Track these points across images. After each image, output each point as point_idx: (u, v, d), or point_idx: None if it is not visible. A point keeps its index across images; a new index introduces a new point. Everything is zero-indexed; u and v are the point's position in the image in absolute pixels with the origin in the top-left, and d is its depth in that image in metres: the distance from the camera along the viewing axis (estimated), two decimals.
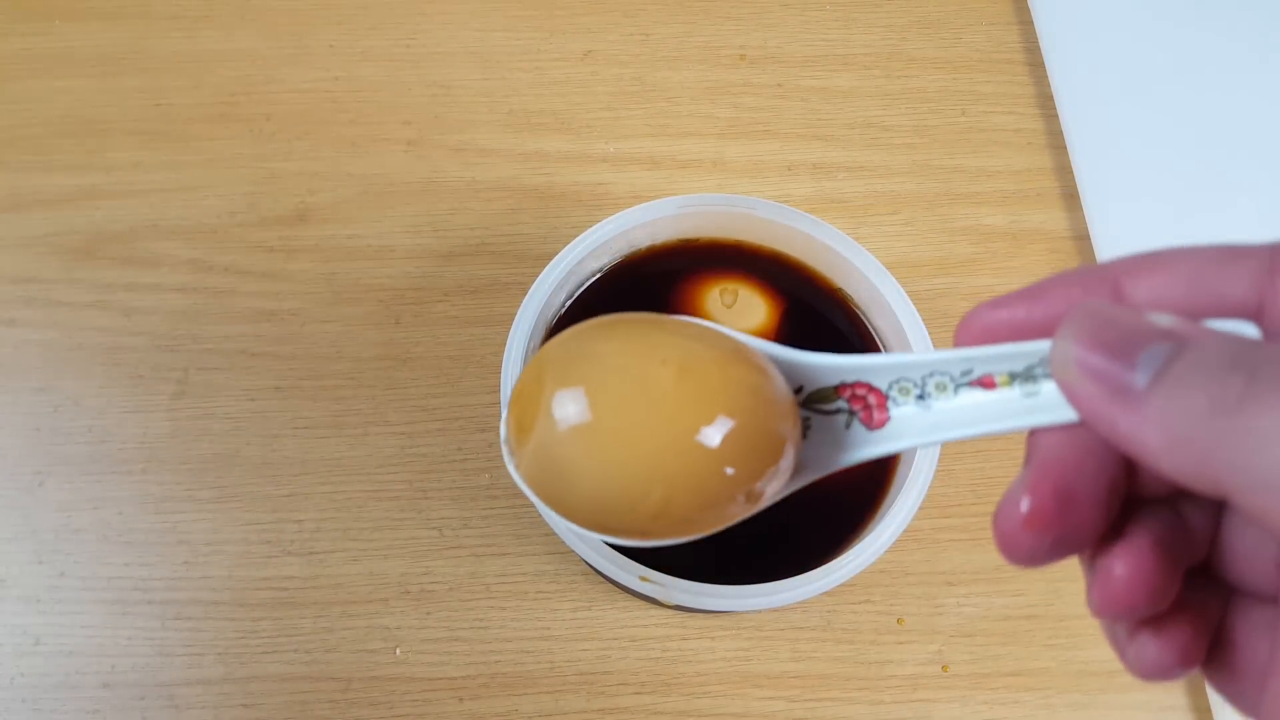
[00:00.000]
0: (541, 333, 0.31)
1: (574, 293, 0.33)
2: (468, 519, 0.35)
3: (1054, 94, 0.44)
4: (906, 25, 0.46)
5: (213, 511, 0.35)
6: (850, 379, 0.21)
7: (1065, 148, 0.43)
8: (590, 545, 0.28)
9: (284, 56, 0.44)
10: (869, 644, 0.34)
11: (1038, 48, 0.45)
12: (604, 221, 0.32)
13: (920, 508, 0.28)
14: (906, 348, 0.31)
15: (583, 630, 0.34)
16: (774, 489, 0.21)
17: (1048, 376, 0.18)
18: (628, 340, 0.21)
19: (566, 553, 0.35)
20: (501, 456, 0.22)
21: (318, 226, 0.40)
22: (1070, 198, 0.42)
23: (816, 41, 0.46)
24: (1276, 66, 0.44)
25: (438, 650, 0.34)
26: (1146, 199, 0.41)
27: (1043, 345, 0.18)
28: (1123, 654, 0.17)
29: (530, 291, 0.31)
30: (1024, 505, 0.16)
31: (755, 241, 0.34)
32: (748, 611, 0.32)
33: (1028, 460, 0.17)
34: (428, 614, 0.34)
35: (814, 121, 0.44)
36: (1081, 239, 0.41)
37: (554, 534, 0.28)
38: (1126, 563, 0.16)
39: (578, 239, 0.32)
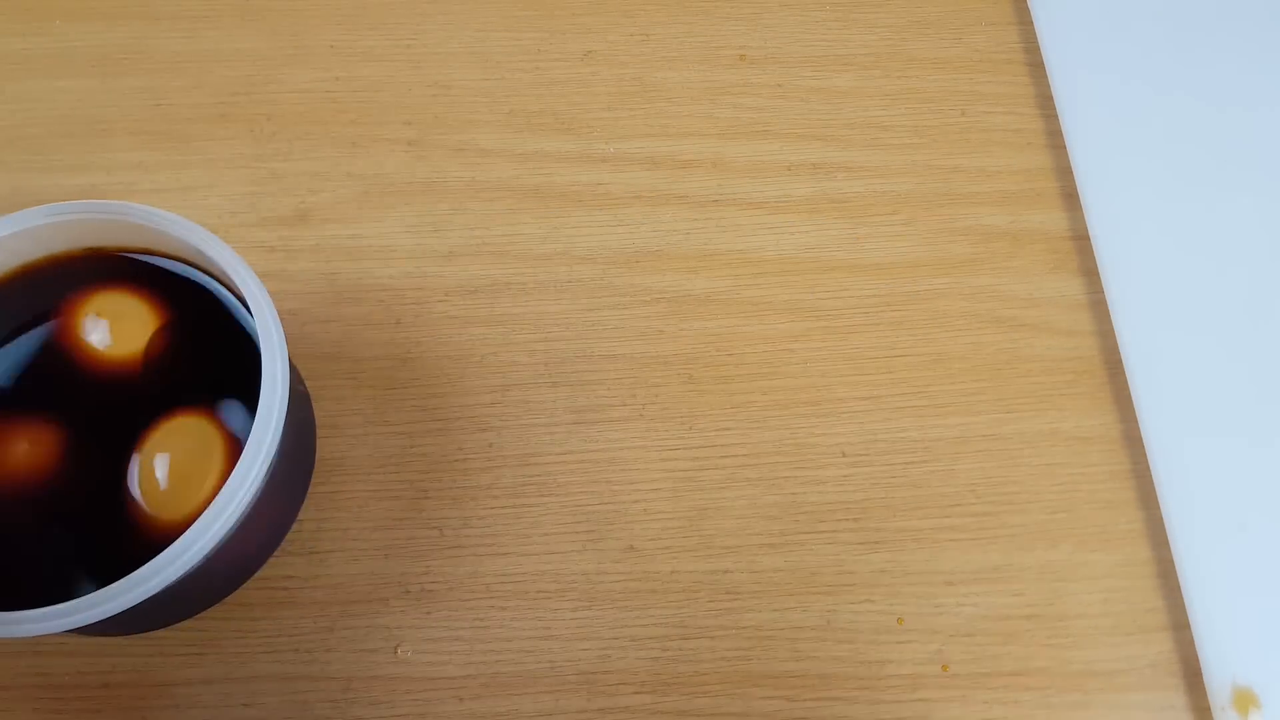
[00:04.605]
0: None
1: None
2: (468, 519, 0.35)
3: (1054, 94, 0.44)
4: (906, 25, 0.46)
5: None
6: None
7: (1065, 148, 0.43)
8: None
9: (284, 56, 0.44)
10: (869, 643, 0.34)
11: (1038, 48, 0.45)
12: None
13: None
14: (263, 312, 0.28)
15: (583, 630, 0.34)
16: None
17: None
18: None
19: (566, 553, 0.35)
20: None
21: (318, 226, 0.40)
22: (1070, 198, 0.42)
23: (816, 41, 0.46)
24: (1277, 66, 0.44)
25: (438, 650, 0.34)
26: (1147, 199, 0.41)
27: None
28: None
29: None
30: None
31: (132, 247, 0.30)
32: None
33: None
34: (428, 614, 0.34)
35: (814, 121, 0.44)
36: (1081, 239, 0.41)
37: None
38: None
39: None
